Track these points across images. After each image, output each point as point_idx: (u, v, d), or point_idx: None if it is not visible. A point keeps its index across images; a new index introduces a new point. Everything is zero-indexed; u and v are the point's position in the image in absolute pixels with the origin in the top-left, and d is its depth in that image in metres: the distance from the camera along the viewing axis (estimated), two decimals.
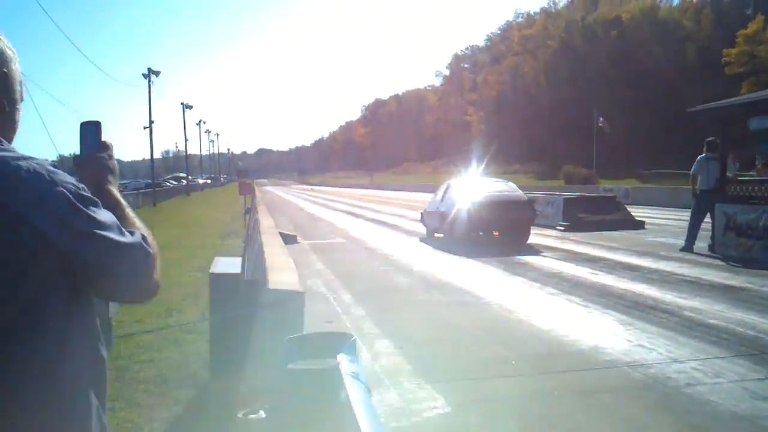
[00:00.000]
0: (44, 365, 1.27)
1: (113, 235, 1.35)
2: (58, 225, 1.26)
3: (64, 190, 1.29)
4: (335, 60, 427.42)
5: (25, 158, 1.30)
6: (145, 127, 48.19)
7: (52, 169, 1.31)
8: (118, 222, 1.39)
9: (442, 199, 17.11)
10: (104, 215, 1.36)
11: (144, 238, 1.44)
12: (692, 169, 13.73)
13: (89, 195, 1.35)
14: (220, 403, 4.52)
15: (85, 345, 1.38)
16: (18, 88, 1.48)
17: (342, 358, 2.86)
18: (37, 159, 1.32)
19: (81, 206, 1.30)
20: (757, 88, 41.47)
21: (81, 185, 1.35)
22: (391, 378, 5.66)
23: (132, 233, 1.41)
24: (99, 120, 1.74)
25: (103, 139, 1.70)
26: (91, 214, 1.32)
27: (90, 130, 1.74)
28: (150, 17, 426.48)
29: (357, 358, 3.08)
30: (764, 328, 7.00)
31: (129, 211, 1.53)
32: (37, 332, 1.26)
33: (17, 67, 1.47)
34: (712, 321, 7.38)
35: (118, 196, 1.56)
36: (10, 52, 1.45)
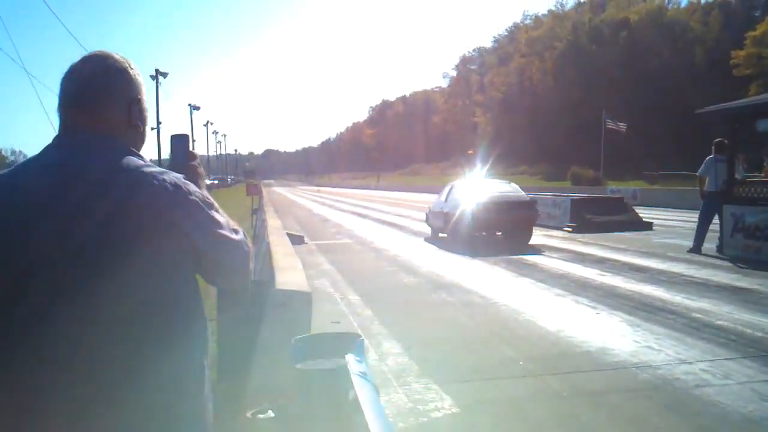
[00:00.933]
0: (179, 333, 1.60)
1: (230, 234, 1.71)
2: (195, 226, 1.62)
3: (196, 198, 1.65)
4: (343, 61, 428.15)
5: (165, 172, 1.64)
6: (152, 129, 48.20)
7: (184, 181, 1.66)
8: (228, 221, 1.73)
9: (446, 200, 17.28)
10: (221, 216, 1.70)
11: (245, 234, 1.80)
12: (699, 171, 13.71)
13: (210, 200, 1.70)
14: (228, 403, 4.53)
15: (202, 321, 1.72)
16: (147, 108, 1.82)
17: (350, 358, 2.87)
18: (172, 173, 1.66)
19: (207, 210, 1.66)
20: (766, 89, 41.30)
21: (204, 193, 1.71)
22: (398, 378, 5.66)
23: (236, 231, 1.75)
24: (187, 133, 2.04)
25: (190, 149, 1.98)
26: (215, 216, 1.68)
27: (180, 142, 2.01)
28: (158, 19, 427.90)
29: (365, 358, 3.08)
30: None
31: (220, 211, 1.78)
32: (179, 308, 1.62)
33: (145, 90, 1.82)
34: (720, 322, 7.35)
35: (210, 198, 1.78)
36: (141, 79, 1.80)
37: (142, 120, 1.79)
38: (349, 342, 3.11)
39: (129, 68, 1.77)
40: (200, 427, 1.69)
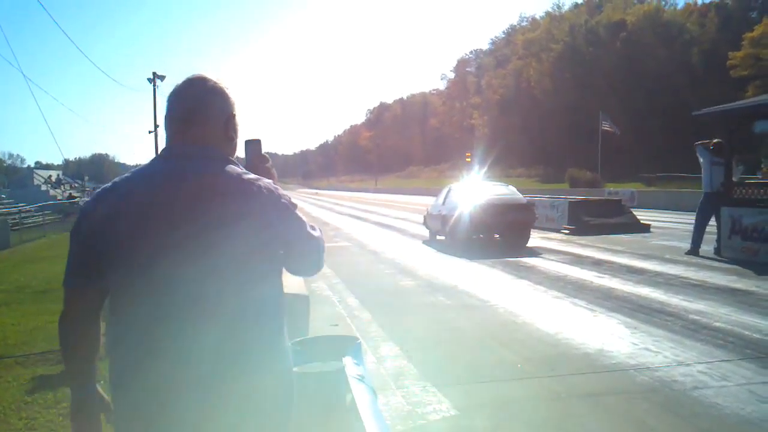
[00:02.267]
0: (276, 304, 1.92)
1: (311, 231, 1.98)
2: (287, 225, 1.90)
3: (286, 201, 1.91)
4: (340, 63, 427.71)
5: (259, 179, 1.90)
6: (150, 132, 48.25)
7: (275, 186, 1.93)
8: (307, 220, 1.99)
9: (443, 203, 17.31)
10: (302, 216, 1.96)
11: (321, 231, 2.07)
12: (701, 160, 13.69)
13: (294, 203, 1.95)
14: None
15: (283, 299, 1.97)
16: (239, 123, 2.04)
17: (348, 361, 2.87)
18: (264, 179, 1.92)
19: (294, 211, 1.93)
20: (763, 91, 41.34)
21: (288, 195, 1.93)
22: (396, 381, 5.66)
23: (314, 228, 2.01)
24: (259, 138, 2.19)
25: (262, 153, 2.18)
26: (298, 215, 1.94)
27: (253, 146, 2.18)
28: (156, 23, 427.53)
29: (363, 361, 3.09)
30: None
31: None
32: (273, 284, 1.91)
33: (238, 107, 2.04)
34: (717, 324, 7.36)
35: (293, 200, 2.02)
36: (234, 98, 2.02)
37: (236, 132, 2.02)
38: (347, 345, 3.11)
39: (225, 88, 2.00)
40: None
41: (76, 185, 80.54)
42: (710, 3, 78.46)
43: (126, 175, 1.94)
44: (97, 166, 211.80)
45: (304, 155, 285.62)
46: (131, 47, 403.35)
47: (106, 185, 1.95)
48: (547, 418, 4.81)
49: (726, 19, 71.39)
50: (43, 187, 63.73)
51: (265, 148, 2.24)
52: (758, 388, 5.16)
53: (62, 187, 71.61)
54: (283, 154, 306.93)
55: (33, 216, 35.57)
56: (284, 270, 2.00)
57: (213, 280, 1.74)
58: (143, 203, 1.79)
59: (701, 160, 13.72)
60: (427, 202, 22.24)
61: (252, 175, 1.90)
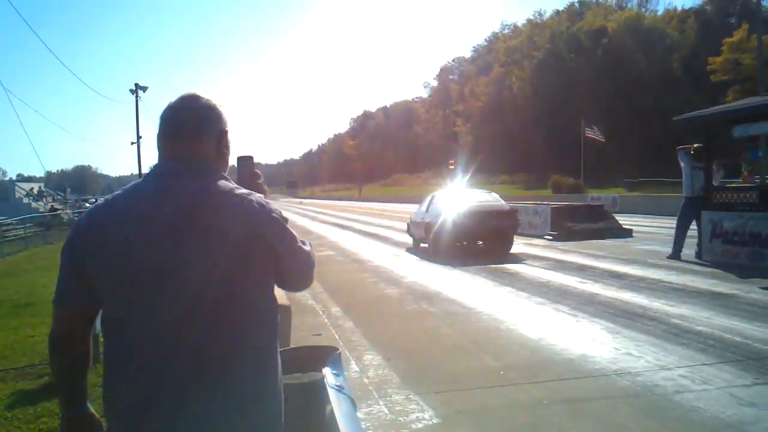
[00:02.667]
0: (269, 316, 1.92)
1: (302, 246, 1.99)
2: (278, 239, 1.90)
3: (277, 216, 1.91)
4: (323, 72, 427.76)
5: (251, 193, 1.92)
6: (132, 143, 48.00)
7: (266, 200, 1.95)
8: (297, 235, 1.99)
9: (427, 210, 17.35)
10: (293, 231, 1.96)
11: (311, 246, 2.08)
12: (682, 165, 13.82)
13: (285, 217, 1.95)
14: None
15: (276, 311, 1.98)
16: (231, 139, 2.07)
17: (327, 372, 2.87)
18: (256, 194, 1.94)
19: (286, 225, 1.93)
20: (743, 95, 41.79)
21: (279, 210, 1.95)
22: (379, 390, 5.65)
23: (305, 243, 2.02)
24: (251, 155, 2.22)
25: (254, 170, 2.21)
26: (290, 230, 1.95)
27: (245, 162, 2.22)
28: (138, 34, 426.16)
29: (342, 371, 3.08)
30: (751, 334, 7.03)
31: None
32: (267, 299, 1.91)
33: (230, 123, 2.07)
34: (699, 328, 7.41)
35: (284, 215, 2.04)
36: (227, 115, 2.05)
37: (228, 149, 2.04)
38: (327, 355, 3.10)
39: (218, 105, 2.03)
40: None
41: (59, 197, 79.96)
42: (690, 9, 79.39)
43: (117, 192, 1.95)
44: (80, 177, 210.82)
45: (288, 164, 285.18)
46: (113, 58, 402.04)
47: (99, 202, 1.97)
48: (528, 425, 4.81)
49: (705, 25, 72.13)
50: (25, 200, 63.20)
51: (249, 154, 2.27)
52: (739, 391, 5.19)
53: (44, 199, 71.05)
54: (267, 164, 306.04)
55: (15, 229, 35.23)
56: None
57: (207, 295, 1.77)
58: (137, 221, 1.81)
59: (682, 164, 13.84)
60: (411, 209, 22.27)
61: (244, 190, 1.92)
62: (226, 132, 2.03)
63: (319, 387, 2.76)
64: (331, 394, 2.74)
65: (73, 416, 1.92)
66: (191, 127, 1.96)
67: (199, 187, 1.87)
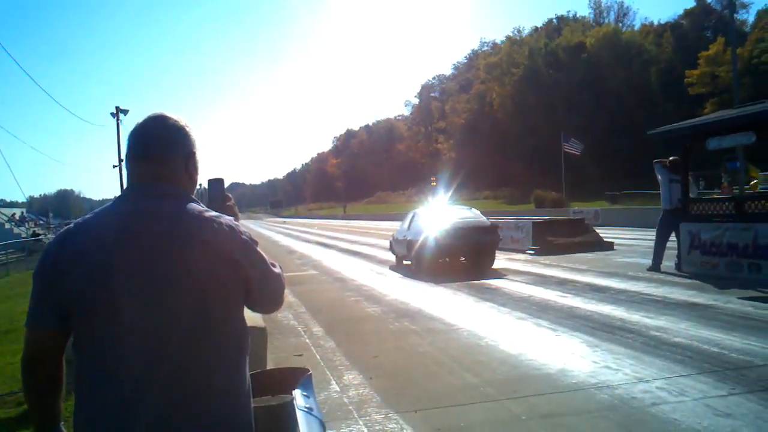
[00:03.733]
0: (240, 337, 1.93)
1: (272, 268, 2.00)
2: (248, 261, 1.90)
3: (246, 238, 1.93)
4: (306, 92, 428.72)
5: (220, 216, 1.93)
6: (114, 166, 47.84)
7: (236, 223, 1.96)
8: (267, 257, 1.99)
9: (408, 227, 17.39)
10: (263, 253, 1.97)
11: (281, 268, 2.09)
12: (659, 178, 13.98)
13: (254, 239, 1.96)
14: None
15: (247, 332, 1.99)
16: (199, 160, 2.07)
17: (297, 394, 2.86)
18: (225, 216, 1.95)
19: (255, 248, 1.94)
20: (720, 107, 42.29)
21: (248, 233, 1.96)
22: (359, 410, 5.64)
23: (275, 265, 2.03)
24: (222, 177, 2.24)
25: (225, 192, 2.24)
26: (259, 252, 1.95)
27: (216, 185, 2.24)
28: (117, 57, 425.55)
29: (313, 392, 3.08)
30: (728, 344, 7.08)
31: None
32: (237, 318, 1.92)
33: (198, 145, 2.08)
34: (677, 339, 7.46)
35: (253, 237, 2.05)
36: (195, 135, 2.06)
37: (196, 170, 2.05)
38: (298, 377, 3.10)
39: (186, 126, 2.04)
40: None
41: (41, 222, 79.45)
42: (666, 23, 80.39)
43: (88, 216, 1.96)
44: (63, 202, 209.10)
45: (272, 184, 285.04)
46: (93, 82, 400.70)
47: (70, 226, 1.96)
48: None
49: (682, 39, 73.12)
50: (7, 225, 62.66)
51: (232, 179, 2.27)
52: (715, 402, 5.23)
53: (26, 224, 70.50)
54: (251, 184, 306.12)
55: None
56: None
57: (176, 317, 1.78)
58: (106, 243, 1.81)
59: (659, 177, 13.99)
60: (394, 227, 22.29)
61: (213, 213, 1.94)
62: (194, 153, 2.03)
63: (288, 409, 2.76)
64: (300, 416, 2.74)
65: None
66: (159, 148, 1.96)
67: (169, 208, 1.88)
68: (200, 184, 2.21)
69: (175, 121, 2.01)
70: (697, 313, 8.98)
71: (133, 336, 1.76)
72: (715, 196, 15.36)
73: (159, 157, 1.95)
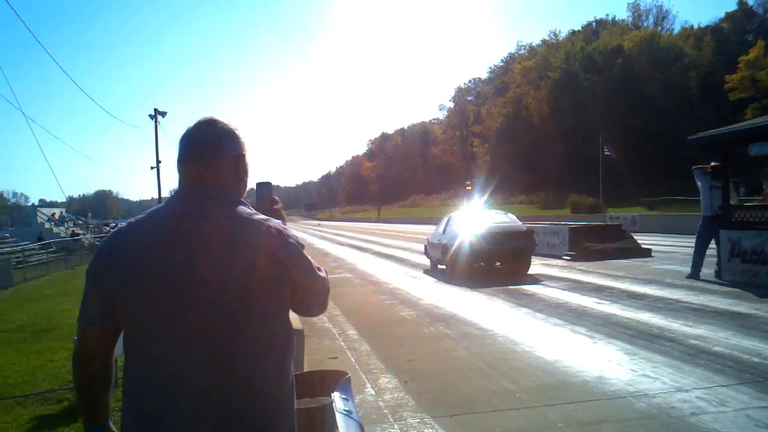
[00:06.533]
0: (284, 339, 1.93)
1: (318, 272, 2.02)
2: (295, 265, 1.91)
3: (294, 242, 1.93)
4: (341, 95, 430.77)
5: (269, 219, 1.95)
6: (152, 167, 48.47)
7: (284, 226, 1.96)
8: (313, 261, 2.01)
9: (443, 232, 17.38)
10: (309, 257, 1.98)
11: (326, 272, 2.11)
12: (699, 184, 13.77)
13: (302, 243, 1.97)
14: None
15: (292, 334, 1.98)
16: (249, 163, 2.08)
17: (336, 396, 2.89)
18: (273, 219, 1.96)
19: (302, 251, 1.95)
20: (762, 113, 41.59)
21: (296, 236, 1.97)
22: (394, 414, 5.65)
23: (320, 269, 2.05)
24: (269, 181, 2.25)
25: (273, 196, 2.24)
26: (306, 255, 1.96)
27: (263, 188, 2.25)
28: (157, 60, 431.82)
29: (351, 395, 3.10)
30: None
31: None
32: (282, 320, 1.92)
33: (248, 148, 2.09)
34: (717, 348, 7.34)
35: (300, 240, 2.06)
36: (245, 139, 2.07)
37: (246, 173, 2.06)
38: (337, 380, 3.13)
39: (235, 130, 2.05)
40: None
41: (80, 222, 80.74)
42: (706, 27, 79.16)
43: (141, 216, 1.99)
44: (101, 202, 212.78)
45: (306, 187, 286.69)
46: (132, 84, 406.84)
47: (122, 225, 2.01)
48: None
49: (722, 43, 71.94)
50: (47, 225, 63.88)
51: (269, 180, 2.28)
52: (756, 413, 5.15)
53: (66, 224, 71.77)
54: (285, 186, 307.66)
55: (36, 254, 35.65)
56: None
57: (223, 319, 1.80)
58: (154, 245, 1.86)
59: (699, 183, 13.78)
60: (429, 230, 22.26)
61: (262, 216, 1.95)
62: (243, 156, 2.05)
63: (327, 412, 2.78)
64: (339, 419, 2.76)
65: None
66: (209, 151, 1.99)
67: (218, 211, 1.90)
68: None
69: (225, 124, 2.03)
70: (737, 322, 8.83)
71: (178, 335, 1.79)
72: (757, 203, 15.02)
73: (209, 160, 1.97)
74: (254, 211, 1.98)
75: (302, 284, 1.94)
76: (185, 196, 1.96)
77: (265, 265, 1.85)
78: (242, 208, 1.94)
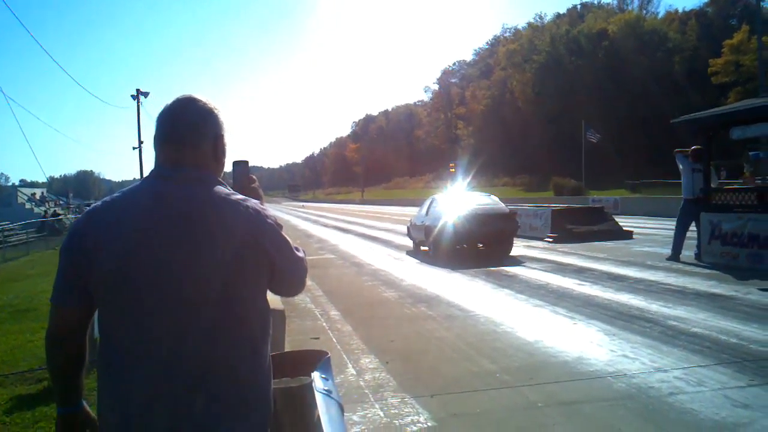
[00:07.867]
0: (262, 319, 1.93)
1: (296, 252, 2.01)
2: (273, 245, 1.91)
3: (272, 221, 1.93)
4: (326, 77, 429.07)
5: (246, 199, 1.93)
6: (134, 148, 48.05)
7: (262, 206, 1.96)
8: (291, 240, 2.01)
9: (427, 213, 17.39)
10: (287, 237, 1.98)
11: (304, 252, 2.10)
12: (681, 167, 13.85)
13: (280, 223, 1.97)
14: None
15: (269, 314, 1.99)
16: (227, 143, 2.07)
17: (315, 376, 2.88)
18: (251, 199, 1.96)
19: (280, 231, 1.95)
20: (744, 96, 41.81)
21: (274, 216, 1.96)
22: (375, 393, 5.66)
23: (299, 249, 2.04)
24: (246, 159, 2.25)
25: (249, 174, 2.23)
26: (284, 236, 1.96)
27: (240, 167, 2.25)
28: (139, 39, 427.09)
29: (332, 375, 3.09)
30: (747, 335, 7.04)
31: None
32: (260, 300, 1.92)
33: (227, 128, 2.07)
34: (696, 329, 7.41)
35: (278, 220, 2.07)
36: (223, 118, 2.04)
37: (224, 153, 2.04)
38: (316, 359, 3.11)
39: (215, 109, 2.02)
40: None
41: (61, 202, 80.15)
42: (690, 11, 79.25)
43: (116, 194, 1.96)
44: (82, 182, 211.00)
45: (290, 168, 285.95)
46: (115, 64, 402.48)
47: (97, 204, 1.97)
48: (523, 428, 4.82)
49: (706, 27, 72.06)
50: (27, 205, 63.31)
51: (251, 162, 2.26)
52: (733, 393, 5.20)
53: (47, 204, 71.20)
54: (269, 168, 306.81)
55: (17, 234, 35.35)
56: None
57: (199, 298, 1.78)
58: (133, 223, 1.82)
59: (681, 167, 13.86)
60: (412, 212, 22.27)
61: (239, 195, 1.94)
62: (222, 136, 2.02)
63: (307, 391, 2.76)
64: (319, 398, 2.74)
65: (68, 414, 1.95)
66: (187, 130, 1.95)
67: (196, 192, 1.88)
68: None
69: (204, 103, 2.00)
70: (716, 303, 8.92)
71: (156, 317, 1.77)
72: (737, 186, 15.14)
73: (186, 140, 1.95)
74: (232, 191, 1.96)
75: (280, 264, 1.93)
76: (163, 176, 1.92)
77: (243, 245, 1.84)
78: (220, 188, 1.92)
